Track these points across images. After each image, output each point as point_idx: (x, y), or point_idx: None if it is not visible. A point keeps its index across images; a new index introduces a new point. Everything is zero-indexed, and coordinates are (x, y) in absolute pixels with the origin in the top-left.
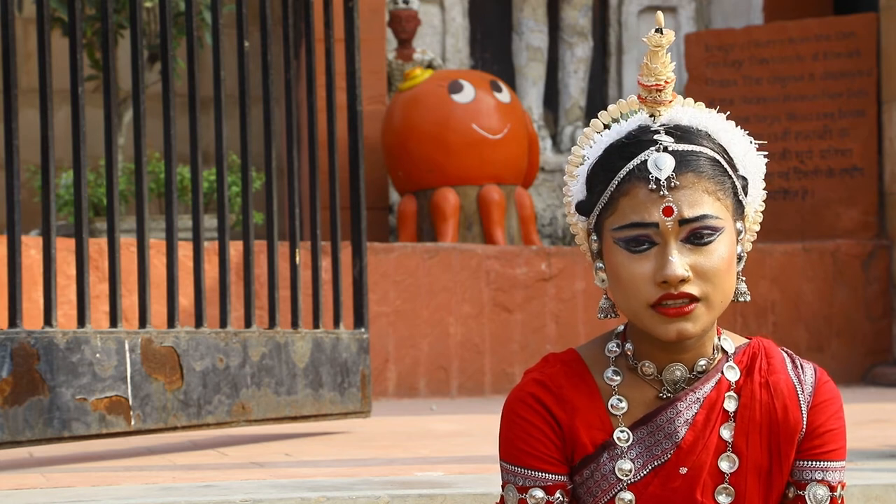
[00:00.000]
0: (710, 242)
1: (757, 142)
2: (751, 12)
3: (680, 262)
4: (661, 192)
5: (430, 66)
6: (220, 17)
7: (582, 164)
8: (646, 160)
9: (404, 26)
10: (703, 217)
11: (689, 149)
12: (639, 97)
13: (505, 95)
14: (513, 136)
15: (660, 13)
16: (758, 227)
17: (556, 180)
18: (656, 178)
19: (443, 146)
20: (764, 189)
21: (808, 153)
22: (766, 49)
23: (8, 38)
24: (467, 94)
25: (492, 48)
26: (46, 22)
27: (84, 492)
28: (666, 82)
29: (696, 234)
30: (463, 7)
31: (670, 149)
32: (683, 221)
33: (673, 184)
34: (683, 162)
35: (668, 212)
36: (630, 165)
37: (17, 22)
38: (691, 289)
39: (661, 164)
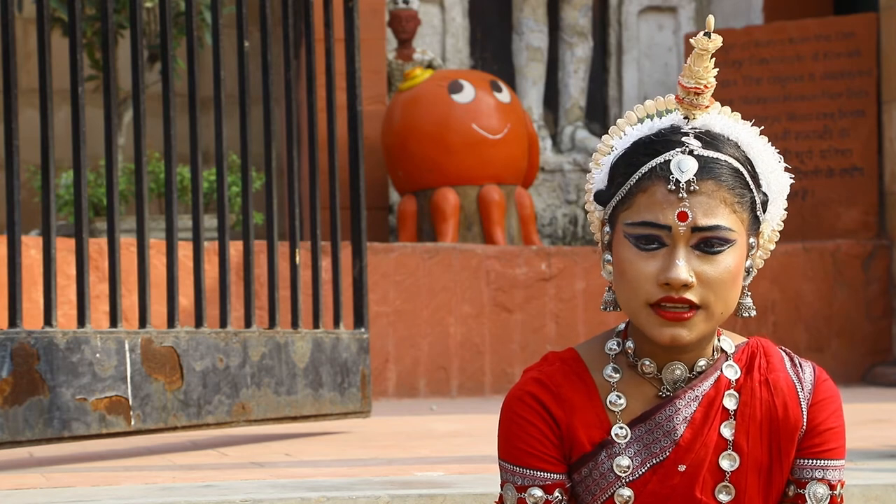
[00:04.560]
0: (718, 253)
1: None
2: (751, 12)
3: (686, 267)
4: (680, 195)
5: (430, 66)
6: (220, 17)
7: (609, 153)
8: (669, 160)
9: (404, 26)
10: (716, 228)
11: (714, 156)
12: (676, 98)
13: (505, 95)
14: (513, 136)
15: (711, 17)
16: (773, 246)
17: (556, 180)
18: (676, 179)
19: (443, 146)
20: (785, 209)
21: (808, 153)
22: (766, 49)
23: (8, 38)
24: (467, 94)
25: (492, 48)
26: (46, 22)
27: (84, 492)
28: (706, 86)
29: (707, 243)
30: (463, 7)
31: (696, 153)
32: (696, 229)
33: (692, 188)
34: (706, 168)
35: (682, 217)
36: (653, 163)
37: (17, 22)
38: (692, 296)
39: (683, 166)
